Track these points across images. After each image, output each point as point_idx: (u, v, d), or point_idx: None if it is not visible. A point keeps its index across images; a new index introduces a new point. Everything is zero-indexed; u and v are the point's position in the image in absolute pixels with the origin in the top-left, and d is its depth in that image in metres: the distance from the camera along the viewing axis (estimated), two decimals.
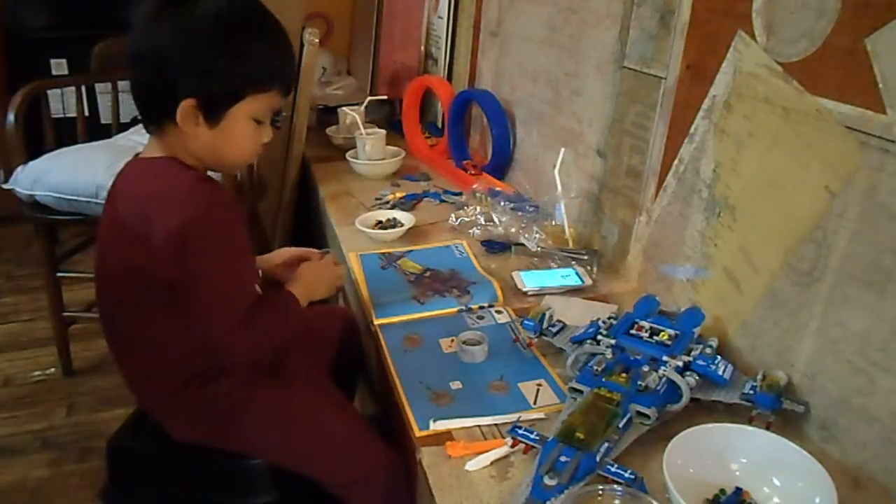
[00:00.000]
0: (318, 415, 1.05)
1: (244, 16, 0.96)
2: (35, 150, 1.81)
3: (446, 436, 0.89)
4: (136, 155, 1.04)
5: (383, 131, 1.95)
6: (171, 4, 0.93)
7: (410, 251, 1.41)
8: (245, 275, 0.98)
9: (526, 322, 1.07)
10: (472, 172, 1.80)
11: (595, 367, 0.94)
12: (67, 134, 1.98)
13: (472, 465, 0.83)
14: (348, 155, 1.89)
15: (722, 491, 0.78)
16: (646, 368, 0.91)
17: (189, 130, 0.94)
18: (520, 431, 0.85)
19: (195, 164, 1.00)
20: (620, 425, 0.83)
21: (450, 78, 2.19)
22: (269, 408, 1.03)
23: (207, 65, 0.92)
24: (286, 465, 1.04)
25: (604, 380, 0.91)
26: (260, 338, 0.96)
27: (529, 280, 1.27)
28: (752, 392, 0.88)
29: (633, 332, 0.99)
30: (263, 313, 0.96)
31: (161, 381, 1.01)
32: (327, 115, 2.33)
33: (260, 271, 1.18)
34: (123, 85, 2.21)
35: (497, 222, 1.47)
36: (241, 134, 0.98)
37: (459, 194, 1.71)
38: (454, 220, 1.53)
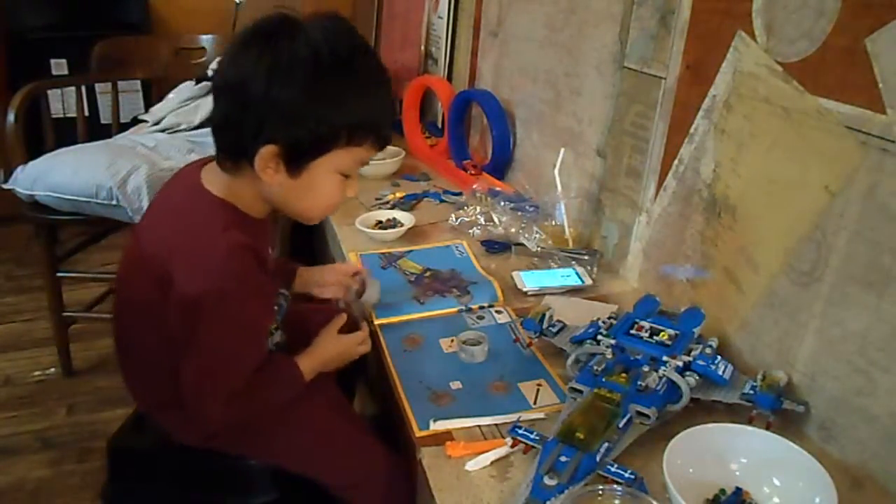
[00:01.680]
0: (321, 417, 1.04)
1: (345, 58, 0.84)
2: (35, 150, 1.81)
3: (446, 436, 0.89)
4: (197, 162, 0.96)
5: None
6: (265, 36, 0.84)
7: (410, 251, 1.41)
8: (245, 357, 0.91)
9: (526, 322, 1.07)
10: (472, 172, 1.80)
11: (595, 367, 0.94)
12: (67, 134, 1.98)
13: (472, 465, 0.83)
14: None
15: (722, 491, 0.78)
16: (646, 368, 0.91)
17: (266, 178, 0.86)
18: (520, 431, 0.85)
19: (258, 208, 0.92)
20: (620, 425, 0.83)
21: (450, 78, 2.19)
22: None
23: (297, 110, 0.82)
24: (287, 466, 1.04)
25: (604, 380, 0.91)
26: (233, 414, 0.91)
27: (529, 280, 1.27)
28: (752, 392, 0.88)
29: (633, 332, 0.99)
30: (246, 398, 0.90)
31: (163, 384, 0.98)
32: None
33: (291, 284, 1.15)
34: (123, 85, 2.21)
35: (497, 222, 1.47)
36: (324, 188, 0.90)
37: (459, 194, 1.71)
38: (454, 220, 1.53)
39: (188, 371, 0.88)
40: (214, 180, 0.91)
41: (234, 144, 0.87)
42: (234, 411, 0.90)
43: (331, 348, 1.04)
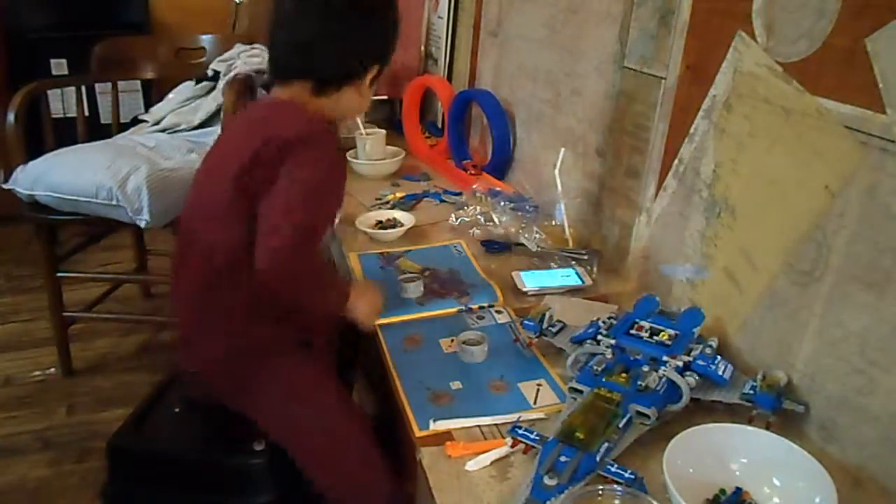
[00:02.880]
0: (338, 413, 1.06)
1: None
2: (35, 150, 1.81)
3: (446, 436, 0.89)
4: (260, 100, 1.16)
5: (383, 131, 1.95)
6: None
7: (409, 251, 1.41)
8: (316, 211, 1.00)
9: (526, 322, 1.07)
10: (472, 172, 1.80)
11: (595, 367, 0.94)
12: (67, 134, 1.97)
13: (472, 465, 0.83)
14: (348, 155, 1.89)
15: (722, 491, 0.78)
16: (646, 368, 0.91)
17: (329, 93, 1.07)
18: (520, 431, 0.85)
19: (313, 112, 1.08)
20: (620, 425, 0.83)
21: (450, 78, 2.19)
22: (295, 384, 1.06)
23: (353, 41, 1.06)
24: (288, 447, 1.05)
25: (604, 380, 0.91)
26: (292, 274, 0.98)
27: (529, 280, 1.27)
28: (752, 392, 0.88)
29: (633, 332, 0.99)
30: (309, 257, 1.00)
31: (212, 300, 1.05)
32: None
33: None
34: (123, 85, 2.21)
35: (497, 222, 1.47)
36: (364, 96, 1.12)
37: (459, 194, 1.71)
38: (454, 220, 1.53)
39: (266, 211, 0.97)
40: (280, 95, 1.09)
41: (294, 66, 1.07)
42: (290, 265, 0.96)
43: (365, 294, 1.13)
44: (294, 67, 1.07)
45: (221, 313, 1.05)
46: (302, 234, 0.96)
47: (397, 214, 1.54)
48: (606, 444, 0.80)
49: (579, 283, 1.27)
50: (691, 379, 0.90)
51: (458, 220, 1.52)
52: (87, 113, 2.09)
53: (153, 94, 2.21)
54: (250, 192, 0.99)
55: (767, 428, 0.84)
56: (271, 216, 0.96)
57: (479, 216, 1.51)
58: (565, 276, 1.29)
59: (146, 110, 2.16)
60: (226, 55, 2.06)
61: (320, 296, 1.08)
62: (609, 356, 0.96)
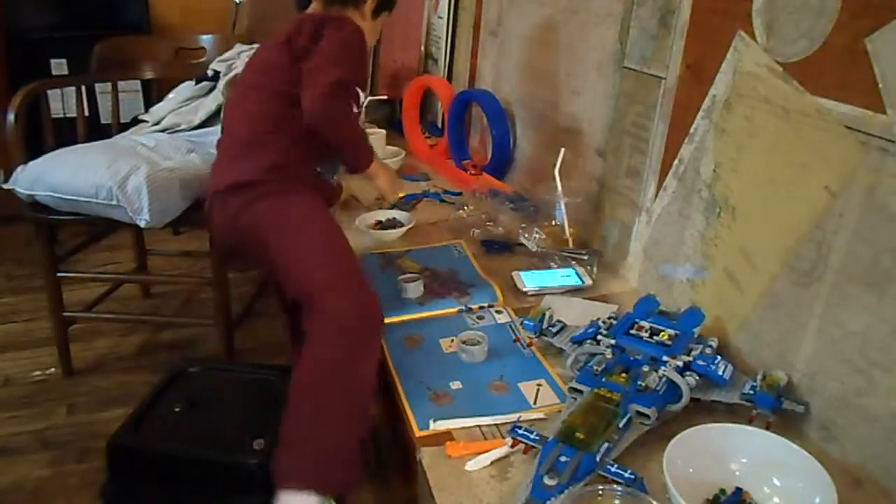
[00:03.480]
0: (339, 235, 1.18)
1: None
2: (35, 150, 1.81)
3: (446, 436, 0.89)
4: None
5: (383, 131, 1.95)
6: None
7: (409, 251, 1.41)
8: (347, 68, 1.23)
9: (526, 322, 1.07)
10: (472, 172, 1.80)
11: (595, 367, 0.94)
12: (67, 134, 1.97)
13: (472, 465, 0.83)
14: None
15: (722, 491, 0.78)
16: (646, 368, 0.91)
17: (361, 18, 1.35)
18: (520, 431, 0.85)
19: None
20: (620, 425, 0.83)
21: (450, 78, 2.19)
22: (302, 204, 1.21)
23: None
24: (285, 244, 1.15)
25: (604, 380, 0.91)
26: (333, 115, 1.21)
27: (529, 280, 1.27)
28: (752, 392, 0.88)
29: (633, 332, 0.99)
30: (344, 105, 1.24)
31: (255, 156, 1.23)
32: None
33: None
34: (123, 85, 2.21)
35: (497, 222, 1.47)
36: (366, 21, 1.37)
37: (459, 194, 1.71)
38: (454, 220, 1.53)
39: (310, 65, 1.22)
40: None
41: None
42: (332, 109, 1.21)
43: (388, 168, 1.47)
44: None
45: (276, 132, 1.25)
46: (337, 86, 1.19)
47: (397, 214, 1.54)
48: (606, 444, 0.80)
49: (579, 283, 1.27)
50: (691, 379, 0.90)
51: (458, 220, 1.52)
52: (87, 113, 2.09)
53: (153, 94, 2.21)
54: (294, 56, 1.25)
55: (767, 428, 0.84)
56: (311, 72, 1.21)
57: (479, 216, 1.51)
58: (565, 276, 1.29)
59: (146, 110, 2.16)
60: (226, 55, 2.06)
61: (354, 143, 1.32)
62: (609, 356, 0.96)
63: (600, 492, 0.72)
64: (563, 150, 1.41)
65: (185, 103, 2.07)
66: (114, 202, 1.65)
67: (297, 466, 0.97)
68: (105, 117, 2.55)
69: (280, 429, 1.01)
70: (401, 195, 1.68)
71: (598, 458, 0.78)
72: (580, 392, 0.91)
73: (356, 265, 1.15)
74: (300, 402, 1.01)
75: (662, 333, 0.98)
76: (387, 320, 1.16)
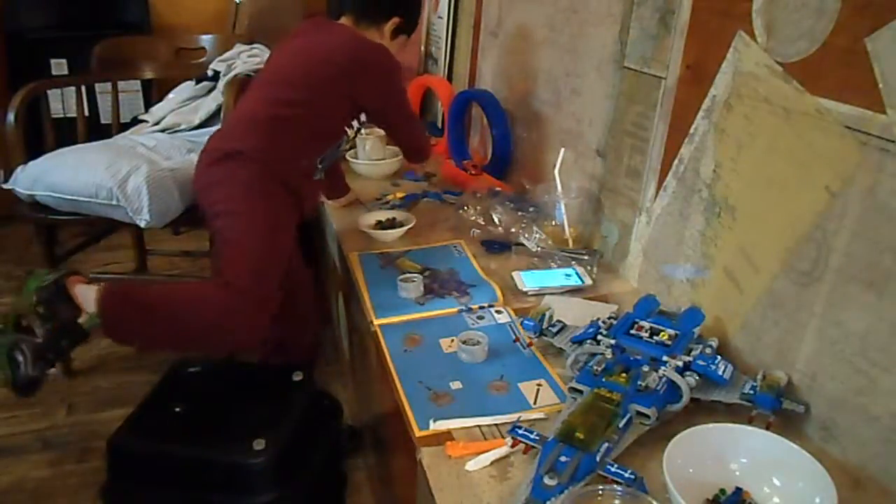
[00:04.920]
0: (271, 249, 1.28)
1: None
2: (35, 150, 1.81)
3: (446, 436, 0.89)
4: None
5: (383, 131, 1.95)
6: None
7: (409, 251, 1.41)
8: (412, 111, 1.55)
9: (526, 322, 1.07)
10: (472, 172, 1.80)
11: (595, 367, 0.94)
12: (67, 134, 1.97)
13: (472, 465, 0.83)
14: (348, 155, 1.89)
15: (722, 491, 0.78)
16: (646, 368, 0.91)
17: (384, 36, 1.46)
18: (520, 431, 0.85)
19: None
20: (620, 425, 0.83)
21: (450, 78, 2.19)
22: (260, 211, 1.28)
23: (409, 8, 1.51)
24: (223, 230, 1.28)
25: (604, 380, 0.91)
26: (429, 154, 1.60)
27: (529, 280, 1.27)
28: (752, 392, 0.88)
29: (633, 332, 0.99)
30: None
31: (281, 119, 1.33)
32: None
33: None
34: (123, 85, 2.21)
35: (497, 222, 1.47)
36: (385, 40, 1.46)
37: (459, 194, 1.71)
38: (454, 220, 1.53)
39: (389, 116, 1.49)
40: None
41: (371, 11, 1.45)
42: (429, 143, 1.61)
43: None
44: (335, 4, 1.50)
45: (293, 119, 1.33)
46: (423, 130, 1.54)
47: (397, 214, 1.54)
48: (606, 444, 0.80)
49: (579, 283, 1.27)
50: (691, 379, 0.90)
51: (459, 220, 1.52)
52: (87, 113, 2.09)
53: (153, 94, 2.21)
54: (353, 91, 1.37)
55: (767, 428, 0.84)
56: (400, 128, 1.54)
57: (479, 216, 1.51)
58: (565, 276, 1.29)
59: (146, 110, 2.16)
60: (226, 55, 2.06)
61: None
62: (609, 356, 0.96)
63: (600, 492, 0.72)
64: (563, 150, 1.41)
65: (185, 103, 2.08)
66: (114, 202, 1.65)
67: (121, 314, 1.14)
68: (105, 117, 2.55)
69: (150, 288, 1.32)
70: (400, 195, 1.69)
71: (598, 458, 0.78)
72: (580, 392, 0.91)
73: (274, 284, 1.23)
74: (169, 299, 1.20)
75: (662, 333, 0.98)
76: (387, 320, 1.17)
